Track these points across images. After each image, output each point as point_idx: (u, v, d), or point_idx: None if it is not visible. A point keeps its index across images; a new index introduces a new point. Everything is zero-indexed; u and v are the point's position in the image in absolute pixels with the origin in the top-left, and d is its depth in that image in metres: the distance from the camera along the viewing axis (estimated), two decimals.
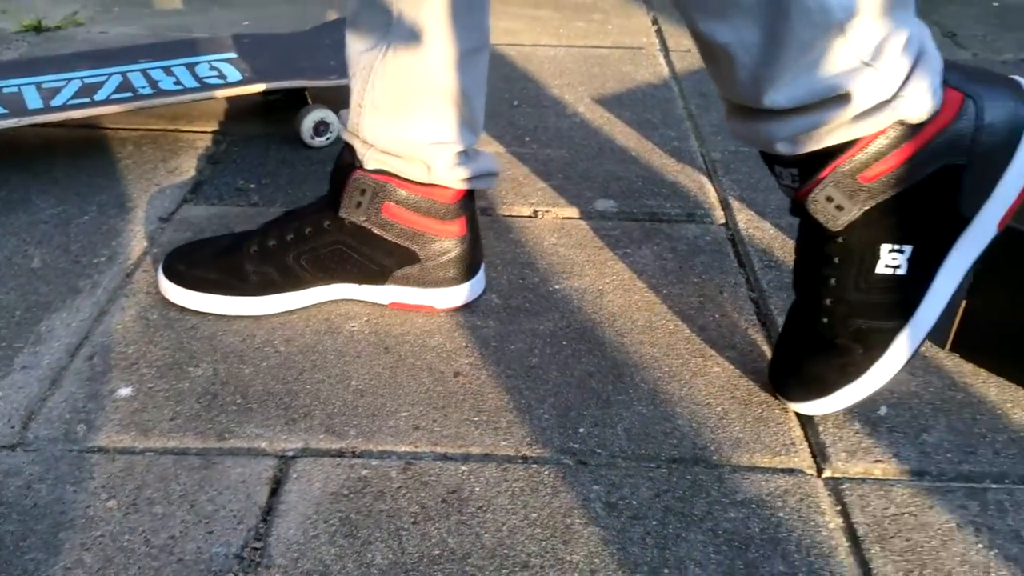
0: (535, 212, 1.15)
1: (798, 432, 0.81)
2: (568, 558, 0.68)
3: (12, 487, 0.71)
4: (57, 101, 1.16)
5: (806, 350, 0.79)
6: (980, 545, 0.70)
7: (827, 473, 0.77)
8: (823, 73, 0.67)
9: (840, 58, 0.67)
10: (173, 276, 0.92)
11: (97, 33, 1.69)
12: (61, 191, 1.14)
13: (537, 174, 1.24)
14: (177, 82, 1.22)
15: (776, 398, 0.84)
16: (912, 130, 0.70)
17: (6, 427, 0.77)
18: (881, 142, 0.70)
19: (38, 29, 1.68)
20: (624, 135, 1.36)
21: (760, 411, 0.83)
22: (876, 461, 0.78)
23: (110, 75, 1.24)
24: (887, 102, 0.68)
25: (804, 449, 0.79)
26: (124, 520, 0.69)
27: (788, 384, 0.81)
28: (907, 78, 0.69)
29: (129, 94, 1.19)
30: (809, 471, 0.77)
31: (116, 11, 1.82)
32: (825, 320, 0.77)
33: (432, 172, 0.87)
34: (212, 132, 1.31)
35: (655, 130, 1.37)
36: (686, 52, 1.68)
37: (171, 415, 0.79)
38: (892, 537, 0.71)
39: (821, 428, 0.81)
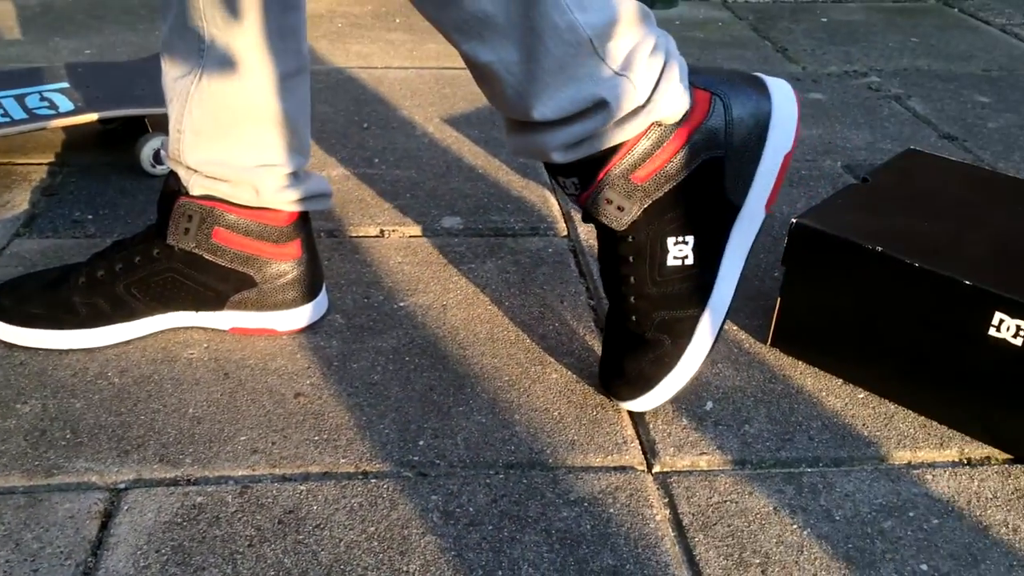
0: (382, 232, 1.16)
1: (630, 431, 0.85)
2: (405, 568, 0.69)
3: None
4: None
5: (624, 350, 0.84)
6: (795, 526, 0.75)
7: (656, 468, 0.81)
8: (581, 85, 0.73)
9: (594, 71, 0.73)
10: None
11: None
12: None
13: (385, 194, 1.25)
14: (5, 113, 1.19)
15: (610, 400, 0.88)
16: (670, 130, 0.77)
17: None
18: (644, 144, 0.76)
19: None
20: (472, 154, 1.39)
21: (595, 413, 0.87)
22: (702, 454, 0.82)
23: None
24: (642, 107, 0.75)
25: (635, 447, 0.83)
26: None
27: (615, 385, 0.85)
28: (657, 83, 0.75)
29: None
30: (640, 468, 0.81)
31: None
32: (633, 318, 0.82)
33: (261, 195, 0.88)
34: (47, 163, 1.28)
35: (502, 148, 1.41)
36: None
37: None
38: (715, 524, 0.75)
39: (652, 426, 0.85)
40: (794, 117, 0.79)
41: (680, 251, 0.79)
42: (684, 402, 0.88)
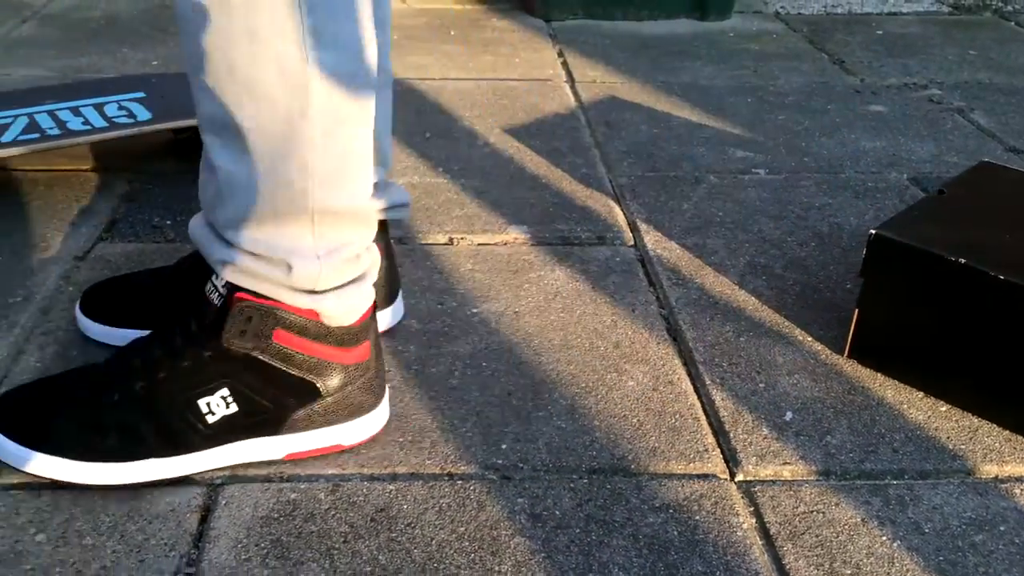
0: (451, 239, 1.18)
1: (711, 439, 0.85)
2: (497, 568, 0.70)
3: None
4: None
5: None
6: (884, 538, 0.75)
7: (739, 477, 0.81)
8: (283, 237, 0.72)
9: (302, 238, 0.73)
10: (6, 428, 0.76)
11: (0, 75, 1.67)
12: None
13: (451, 203, 1.27)
14: (86, 122, 1.22)
15: (689, 409, 0.88)
16: (324, 330, 0.76)
17: None
18: (292, 317, 0.75)
19: None
20: (534, 163, 1.40)
21: (674, 421, 0.87)
22: (785, 463, 0.82)
23: (16, 116, 1.23)
24: (314, 293, 0.75)
25: (717, 455, 0.83)
26: (54, 553, 0.69)
27: None
28: (337, 288, 0.75)
29: (36, 135, 1.18)
30: (722, 476, 0.81)
31: (21, 53, 1.79)
32: None
33: None
34: (125, 171, 1.31)
35: (564, 158, 1.42)
36: (591, 83, 1.74)
37: None
38: (803, 534, 0.75)
39: (732, 435, 0.86)
40: None
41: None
42: (763, 412, 0.88)
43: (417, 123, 1.54)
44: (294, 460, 0.79)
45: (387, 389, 0.85)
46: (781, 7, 2.34)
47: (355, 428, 0.81)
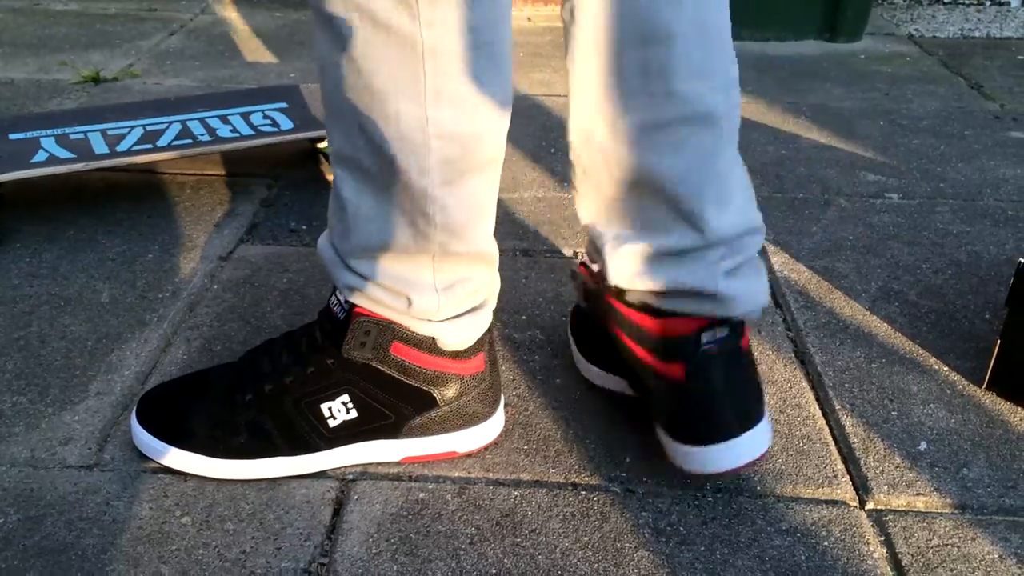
0: (575, 253, 1.19)
1: (840, 466, 0.83)
2: None
3: (91, 504, 0.75)
4: (122, 147, 1.22)
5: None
6: None
7: (870, 505, 0.79)
8: (404, 271, 0.74)
9: (422, 274, 0.74)
10: (147, 423, 0.80)
11: (152, 84, 1.77)
12: (125, 231, 1.19)
13: (575, 218, 1.27)
14: (233, 130, 1.28)
15: (817, 433, 0.87)
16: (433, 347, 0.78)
17: (84, 449, 0.81)
18: (409, 332, 0.77)
19: (96, 80, 1.76)
20: None
21: (802, 444, 0.86)
22: (918, 494, 0.80)
23: (170, 123, 1.30)
24: (432, 322, 0.77)
25: (846, 482, 0.82)
26: (198, 535, 0.72)
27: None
28: (455, 318, 0.77)
29: (189, 140, 1.24)
30: (852, 503, 0.79)
31: (169, 64, 1.90)
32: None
33: None
34: (266, 177, 1.37)
35: None
36: None
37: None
38: (936, 568, 0.73)
39: (863, 462, 0.84)
40: None
41: None
42: (896, 440, 0.86)
43: (543, 138, 1.56)
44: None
45: (502, 399, 0.86)
46: (915, 29, 2.28)
47: (470, 436, 0.82)
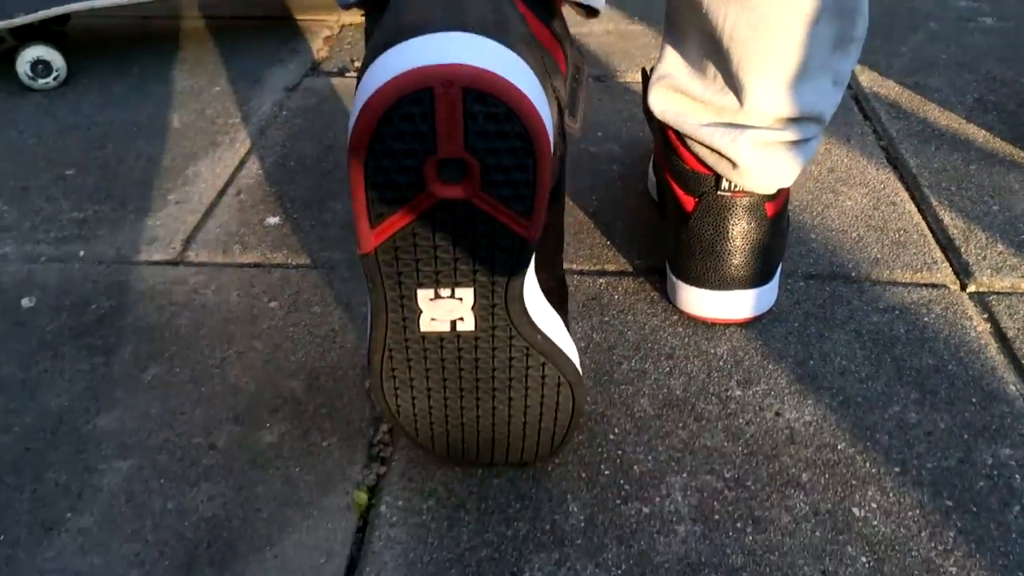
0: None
1: (939, 254, 0.80)
2: (712, 351, 0.69)
3: (180, 292, 0.75)
4: None
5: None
6: None
7: (971, 288, 0.76)
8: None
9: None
10: None
11: None
12: (191, 68, 1.18)
13: (648, 46, 1.23)
14: None
15: (914, 226, 0.83)
16: None
17: (167, 248, 0.81)
18: None
19: None
20: None
21: (897, 236, 0.82)
22: (1023, 277, 0.76)
23: None
24: None
25: (946, 267, 0.78)
26: (287, 317, 0.72)
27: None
28: None
29: None
30: (952, 286, 0.76)
31: None
32: None
33: None
34: (324, 21, 1.34)
35: None
36: None
37: (318, 239, 0.82)
38: None
39: (963, 250, 0.80)
40: None
41: None
42: (999, 230, 0.82)
43: None
44: None
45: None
46: None
47: None
